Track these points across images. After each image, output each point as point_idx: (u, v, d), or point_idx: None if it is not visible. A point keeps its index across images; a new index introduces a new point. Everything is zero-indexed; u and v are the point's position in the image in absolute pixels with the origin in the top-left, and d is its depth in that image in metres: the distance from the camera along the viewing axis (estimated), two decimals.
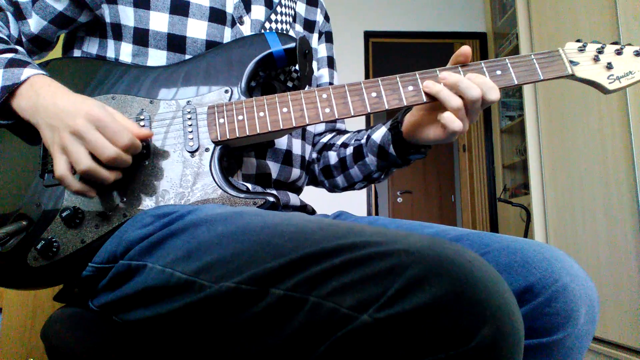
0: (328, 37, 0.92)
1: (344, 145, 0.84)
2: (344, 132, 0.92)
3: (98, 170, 0.54)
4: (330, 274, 0.38)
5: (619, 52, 0.65)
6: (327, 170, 0.86)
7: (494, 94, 0.61)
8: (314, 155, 0.88)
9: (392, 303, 0.34)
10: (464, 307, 0.33)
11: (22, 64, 0.60)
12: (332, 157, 0.85)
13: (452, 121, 0.61)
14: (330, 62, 0.92)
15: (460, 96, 0.61)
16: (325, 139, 0.89)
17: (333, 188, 0.89)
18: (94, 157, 0.54)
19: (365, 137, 0.80)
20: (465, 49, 0.64)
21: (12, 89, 0.58)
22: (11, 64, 0.60)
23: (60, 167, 0.55)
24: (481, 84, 0.61)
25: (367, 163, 0.79)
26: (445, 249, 0.37)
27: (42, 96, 0.58)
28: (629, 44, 0.65)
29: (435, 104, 0.64)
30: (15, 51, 0.64)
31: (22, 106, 0.59)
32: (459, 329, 0.33)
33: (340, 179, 0.86)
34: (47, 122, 0.57)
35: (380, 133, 0.76)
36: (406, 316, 0.34)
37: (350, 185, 0.86)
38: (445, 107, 0.61)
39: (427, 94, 0.62)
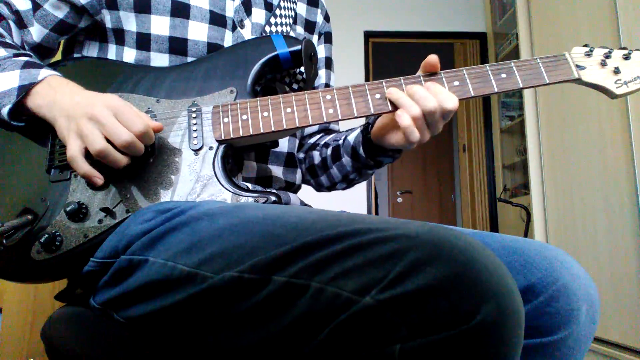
0: (327, 37, 0.92)
1: (326, 145, 0.85)
2: (331, 131, 0.93)
3: (111, 152, 0.56)
4: (332, 259, 0.38)
5: (626, 57, 0.65)
6: (312, 169, 0.88)
7: (450, 103, 0.60)
8: (301, 155, 0.89)
9: (394, 285, 0.35)
10: (464, 287, 0.34)
11: (38, 66, 0.62)
12: (316, 156, 0.86)
13: (411, 132, 0.61)
14: (328, 63, 0.93)
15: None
16: (312, 140, 0.90)
17: (319, 187, 0.90)
18: (109, 142, 0.56)
19: (343, 138, 0.81)
20: (432, 59, 0.63)
21: (29, 88, 0.60)
22: (28, 65, 0.62)
23: (73, 148, 0.56)
24: (437, 93, 0.61)
25: (344, 164, 0.80)
26: (444, 233, 0.37)
27: (60, 93, 0.59)
28: (637, 49, 0.65)
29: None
30: (30, 56, 0.65)
31: (39, 103, 0.60)
32: (460, 308, 0.34)
33: (324, 179, 0.87)
34: (64, 113, 0.58)
35: (354, 134, 0.77)
36: (408, 297, 0.34)
37: (333, 185, 0.88)
38: (407, 114, 0.61)
39: (390, 101, 0.62)
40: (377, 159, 0.75)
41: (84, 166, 0.57)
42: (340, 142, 0.81)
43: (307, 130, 0.91)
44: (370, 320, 0.35)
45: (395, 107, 0.62)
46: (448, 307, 0.34)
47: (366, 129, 0.74)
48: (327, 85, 0.92)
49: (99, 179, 0.57)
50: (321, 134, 0.91)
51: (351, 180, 0.84)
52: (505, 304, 0.35)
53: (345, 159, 0.79)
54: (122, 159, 0.57)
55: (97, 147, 0.55)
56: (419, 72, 0.65)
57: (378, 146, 0.72)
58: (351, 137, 0.78)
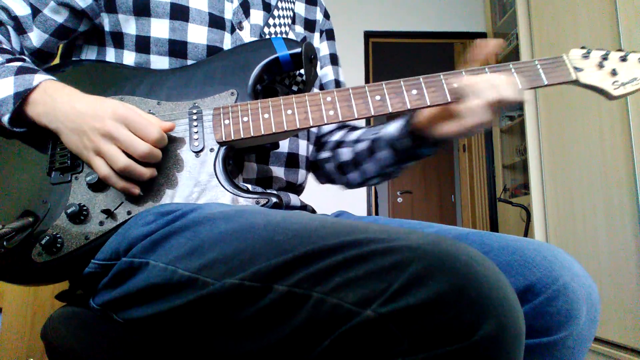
0: (329, 34, 0.92)
1: (358, 141, 0.83)
2: (355, 127, 0.91)
3: (135, 167, 0.56)
4: (333, 270, 0.38)
5: (623, 59, 0.65)
6: (341, 167, 0.85)
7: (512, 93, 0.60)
8: (326, 154, 0.87)
9: (395, 298, 0.35)
10: (466, 302, 0.34)
11: (32, 71, 0.62)
12: (345, 153, 0.84)
13: (480, 112, 0.60)
14: (334, 59, 0.92)
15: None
16: (336, 137, 0.88)
17: (349, 185, 0.88)
18: (128, 155, 0.56)
19: (378, 132, 0.79)
20: (491, 42, 0.64)
21: (24, 95, 0.59)
22: (21, 71, 0.61)
23: (102, 168, 0.57)
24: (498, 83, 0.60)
25: (381, 157, 0.78)
26: (447, 245, 0.37)
27: (59, 101, 0.59)
28: (634, 51, 0.66)
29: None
30: (23, 60, 0.65)
31: (39, 112, 0.60)
32: (461, 323, 0.34)
33: (355, 175, 0.84)
34: (71, 126, 0.58)
35: (393, 127, 0.76)
36: (409, 311, 0.34)
37: (365, 181, 0.85)
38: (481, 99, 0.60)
39: (452, 92, 0.62)
40: (420, 150, 0.73)
41: (120, 182, 0.57)
42: (377, 135, 0.78)
43: (326, 129, 0.89)
44: (371, 333, 0.35)
45: (453, 98, 0.62)
46: (449, 321, 0.33)
47: (408, 122, 0.72)
48: (336, 81, 0.91)
49: (137, 189, 0.58)
50: (344, 131, 0.89)
51: (388, 174, 0.81)
52: (506, 319, 0.35)
53: (382, 153, 0.77)
54: (146, 172, 0.57)
55: (120, 165, 0.56)
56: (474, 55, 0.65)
57: (422, 138, 0.70)
58: (390, 130, 0.76)
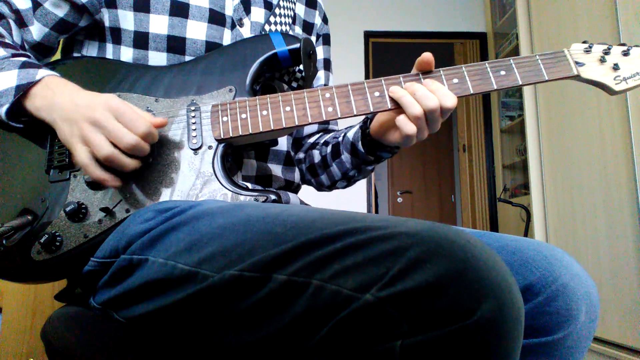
0: (325, 39, 0.93)
1: (326, 143, 0.85)
2: (330, 130, 0.93)
3: (119, 156, 0.56)
4: (332, 257, 0.38)
5: (625, 53, 0.64)
6: (312, 169, 0.87)
7: (450, 101, 0.60)
8: (301, 155, 0.89)
9: (394, 282, 0.35)
10: (464, 283, 0.34)
11: (36, 66, 0.62)
12: (316, 155, 0.86)
13: (405, 124, 0.61)
14: (327, 65, 0.93)
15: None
16: (312, 139, 0.90)
17: (320, 187, 0.90)
18: (114, 145, 0.56)
19: (342, 135, 0.81)
20: (427, 56, 0.63)
21: (26, 88, 0.60)
22: (25, 65, 0.62)
23: (82, 155, 0.56)
24: (435, 90, 0.61)
25: (343, 160, 0.80)
26: (444, 230, 0.37)
27: (58, 94, 0.59)
28: (637, 45, 0.65)
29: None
30: (28, 56, 0.66)
31: (37, 105, 0.60)
32: (460, 304, 0.34)
33: (324, 177, 0.87)
34: (65, 116, 0.58)
35: (353, 131, 0.77)
36: (409, 294, 0.34)
37: (333, 184, 0.87)
38: (406, 113, 0.61)
39: (391, 99, 0.62)
40: (377, 154, 0.75)
41: (97, 171, 0.57)
42: (340, 139, 0.81)
43: (306, 130, 0.91)
44: (371, 317, 0.35)
45: (395, 104, 0.62)
46: (448, 303, 0.34)
47: (365, 125, 0.74)
48: (326, 86, 0.92)
49: (114, 181, 0.57)
50: (320, 134, 0.91)
51: (351, 177, 0.83)
52: (504, 300, 0.35)
53: (345, 156, 0.79)
54: (130, 163, 0.57)
55: (103, 152, 0.55)
56: (415, 70, 0.65)
57: (377, 142, 0.72)
58: (350, 134, 0.78)
